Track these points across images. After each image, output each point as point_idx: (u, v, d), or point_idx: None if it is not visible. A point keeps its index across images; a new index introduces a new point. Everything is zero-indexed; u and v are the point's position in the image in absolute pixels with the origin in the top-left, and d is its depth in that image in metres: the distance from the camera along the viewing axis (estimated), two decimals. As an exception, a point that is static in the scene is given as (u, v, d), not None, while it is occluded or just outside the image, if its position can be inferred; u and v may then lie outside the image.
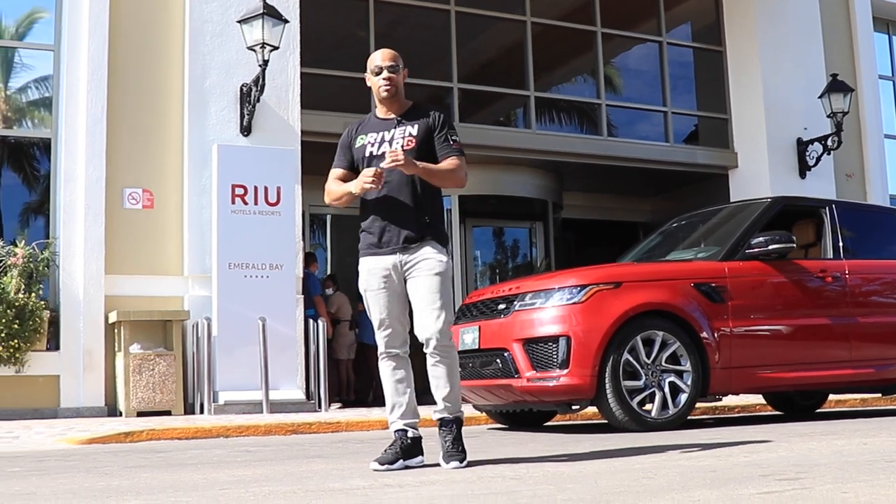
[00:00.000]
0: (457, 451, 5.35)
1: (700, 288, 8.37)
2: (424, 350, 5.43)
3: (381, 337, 5.54)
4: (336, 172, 5.71)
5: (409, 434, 5.44)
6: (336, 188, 5.65)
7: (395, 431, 5.47)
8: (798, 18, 16.56)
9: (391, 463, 5.29)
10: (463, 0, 15.14)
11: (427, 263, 5.43)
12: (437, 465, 5.36)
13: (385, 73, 5.55)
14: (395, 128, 5.56)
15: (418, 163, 5.36)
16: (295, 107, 12.53)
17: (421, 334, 5.42)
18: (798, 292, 8.85)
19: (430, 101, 14.22)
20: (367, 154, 5.55)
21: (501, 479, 4.66)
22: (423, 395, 5.61)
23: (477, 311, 8.78)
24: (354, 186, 5.44)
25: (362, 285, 5.57)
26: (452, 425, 5.44)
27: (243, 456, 6.85)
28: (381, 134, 5.57)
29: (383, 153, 5.42)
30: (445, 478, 4.83)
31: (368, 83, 5.68)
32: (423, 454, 5.46)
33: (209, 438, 8.88)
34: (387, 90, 5.55)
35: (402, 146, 5.44)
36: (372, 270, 5.51)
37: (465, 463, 5.30)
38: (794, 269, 8.91)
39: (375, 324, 5.54)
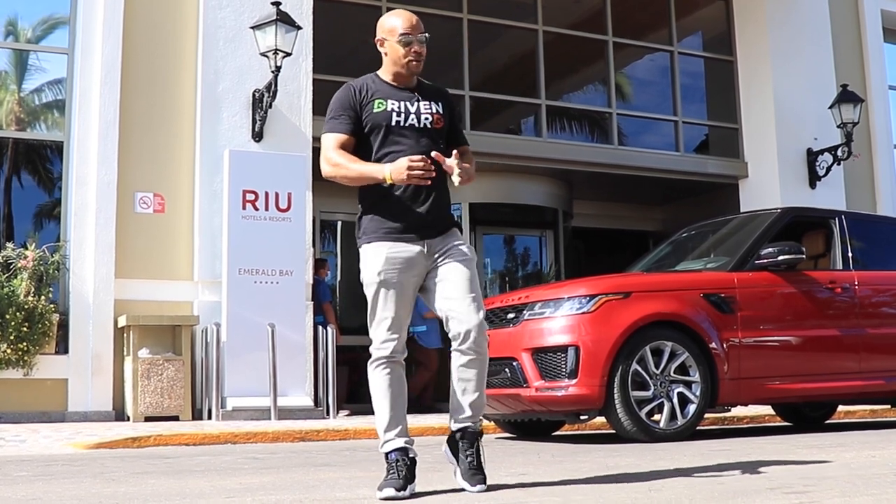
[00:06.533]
0: (481, 471, 4.66)
1: (709, 298, 8.36)
2: (455, 346, 4.72)
3: (386, 337, 4.68)
4: (338, 139, 4.78)
5: (410, 454, 4.63)
6: (350, 165, 4.73)
7: (395, 451, 4.61)
8: (809, 29, 16.53)
9: (403, 489, 4.48)
10: (475, 8, 15.16)
11: (461, 248, 4.78)
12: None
13: (416, 47, 4.80)
14: (417, 101, 4.84)
15: (467, 169, 4.74)
16: (307, 113, 12.54)
17: (457, 327, 4.69)
18: (807, 303, 8.84)
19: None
20: (393, 122, 4.76)
21: (508, 490, 4.66)
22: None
23: (486, 319, 8.76)
24: (389, 172, 4.62)
25: (374, 275, 4.70)
26: (476, 439, 4.72)
27: (251, 463, 6.85)
28: (402, 104, 4.80)
29: (411, 125, 4.76)
30: (451, 491, 4.78)
31: (383, 48, 4.87)
32: (415, 481, 4.62)
33: (217, 445, 8.89)
34: (416, 64, 4.83)
35: (432, 122, 4.81)
36: (392, 258, 4.69)
37: (486, 485, 4.62)
38: (804, 279, 8.91)
39: (382, 322, 4.69)
